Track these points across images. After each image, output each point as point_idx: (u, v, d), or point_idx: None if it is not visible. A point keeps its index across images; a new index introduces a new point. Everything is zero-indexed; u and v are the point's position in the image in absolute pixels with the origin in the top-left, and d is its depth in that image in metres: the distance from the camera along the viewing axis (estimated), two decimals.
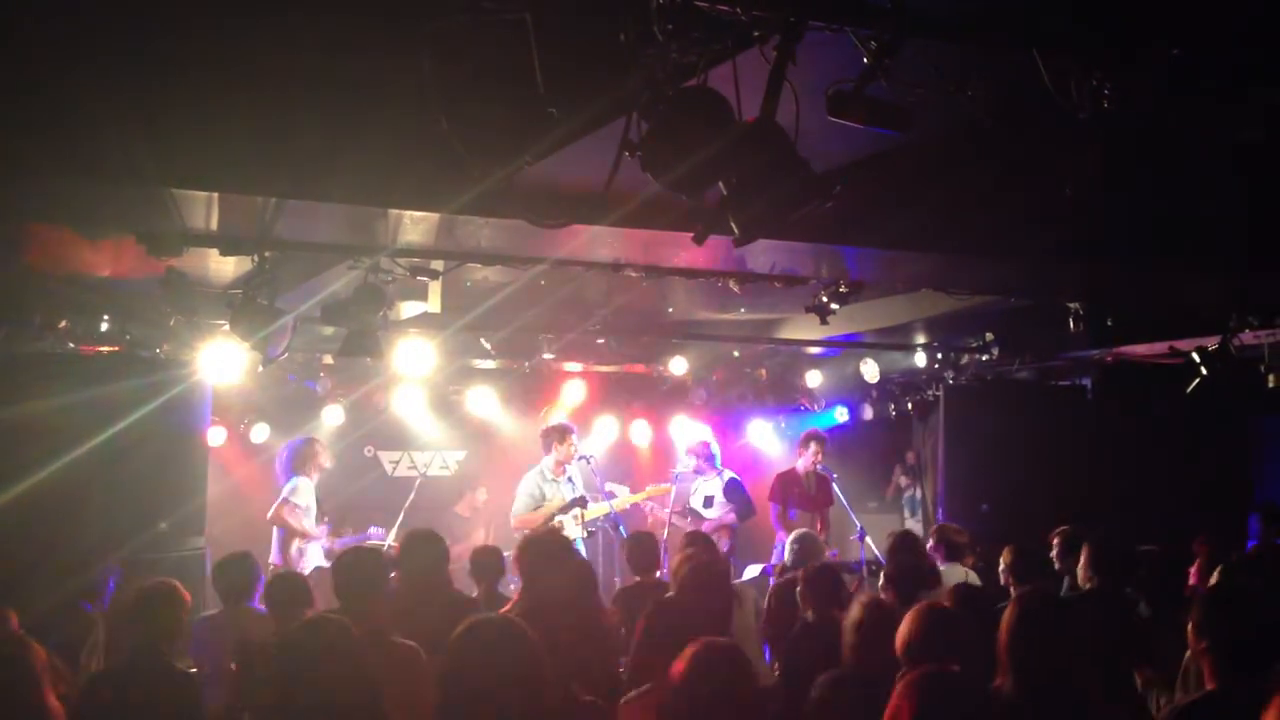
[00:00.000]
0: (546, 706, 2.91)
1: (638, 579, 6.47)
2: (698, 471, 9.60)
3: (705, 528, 8.87)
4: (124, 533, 6.70)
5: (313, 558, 8.75)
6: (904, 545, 6.50)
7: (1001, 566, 6.08)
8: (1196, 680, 4.01)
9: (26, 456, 6.48)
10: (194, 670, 4.51)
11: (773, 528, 9.51)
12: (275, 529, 8.76)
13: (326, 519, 9.21)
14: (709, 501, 9.50)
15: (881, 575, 5.70)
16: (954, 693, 3.16)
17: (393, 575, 4.60)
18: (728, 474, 9.66)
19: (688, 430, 11.36)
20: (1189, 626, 3.44)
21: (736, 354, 10.87)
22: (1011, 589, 5.93)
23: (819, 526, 9.46)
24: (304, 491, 8.78)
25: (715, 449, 9.81)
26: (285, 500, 8.65)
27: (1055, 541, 6.34)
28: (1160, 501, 8.62)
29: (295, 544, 8.72)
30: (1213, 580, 5.10)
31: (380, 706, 2.98)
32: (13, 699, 3.01)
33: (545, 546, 5.00)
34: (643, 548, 6.57)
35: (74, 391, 6.67)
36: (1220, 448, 9.39)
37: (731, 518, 9.46)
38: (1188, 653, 4.22)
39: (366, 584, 4.28)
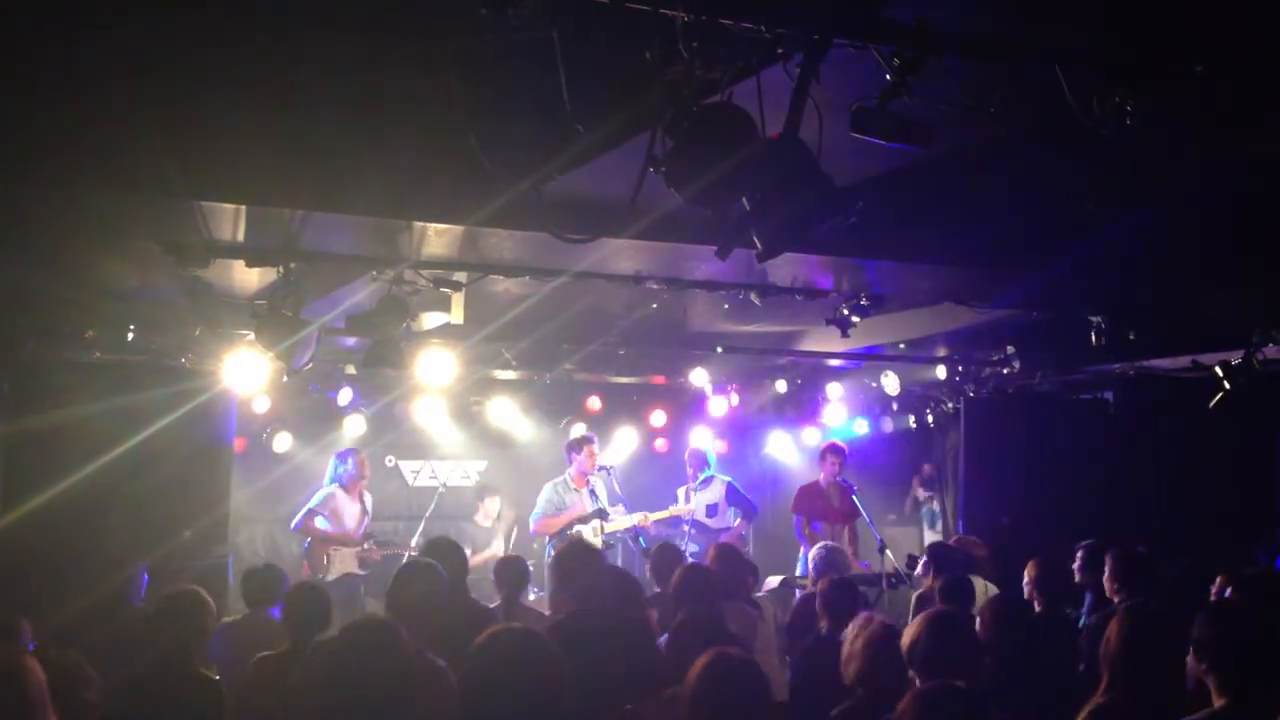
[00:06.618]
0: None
1: (658, 590, 6.47)
2: (701, 483, 9.65)
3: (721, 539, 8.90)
4: (149, 541, 6.75)
5: (339, 565, 8.84)
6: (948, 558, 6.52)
7: (1026, 580, 6.05)
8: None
9: (53, 464, 6.57)
10: (218, 677, 4.53)
11: (796, 540, 9.51)
12: (304, 539, 8.93)
13: (365, 533, 9.22)
14: (712, 510, 9.54)
15: (937, 589, 5.70)
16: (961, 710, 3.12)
17: None
18: (723, 479, 9.72)
19: (706, 442, 11.35)
20: (1191, 648, 3.43)
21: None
22: (1036, 603, 5.91)
23: (847, 539, 9.45)
24: (328, 500, 8.92)
25: (711, 456, 9.87)
26: (308, 509, 8.84)
27: (1079, 555, 6.31)
28: (1182, 516, 8.56)
29: (326, 551, 8.83)
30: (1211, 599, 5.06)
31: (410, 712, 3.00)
32: None
33: (580, 552, 5.04)
34: (666, 559, 6.58)
35: (100, 400, 6.76)
36: (1243, 462, 9.31)
37: (741, 524, 9.55)
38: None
39: (421, 600, 4.27)
